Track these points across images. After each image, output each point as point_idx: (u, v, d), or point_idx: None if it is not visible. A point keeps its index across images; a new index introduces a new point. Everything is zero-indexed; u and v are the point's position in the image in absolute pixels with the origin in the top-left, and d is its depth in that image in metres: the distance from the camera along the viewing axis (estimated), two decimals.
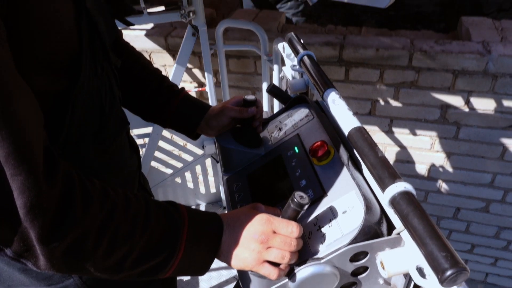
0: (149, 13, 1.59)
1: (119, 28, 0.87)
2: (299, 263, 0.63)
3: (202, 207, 2.44)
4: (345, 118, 0.75)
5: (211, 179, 2.34)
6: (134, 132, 1.98)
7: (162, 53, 1.87)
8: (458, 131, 1.75)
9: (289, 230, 0.62)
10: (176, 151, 2.16)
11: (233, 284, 2.02)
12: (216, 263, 0.64)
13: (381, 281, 0.68)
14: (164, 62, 1.90)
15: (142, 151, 2.01)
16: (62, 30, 0.57)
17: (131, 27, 1.78)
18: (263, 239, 0.62)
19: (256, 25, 1.59)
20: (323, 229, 0.65)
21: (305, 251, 0.64)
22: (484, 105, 1.64)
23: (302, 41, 1.02)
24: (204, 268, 0.65)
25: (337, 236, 0.63)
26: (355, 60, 1.65)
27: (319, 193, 0.71)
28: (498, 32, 1.67)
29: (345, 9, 3.79)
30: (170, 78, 1.56)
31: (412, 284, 0.61)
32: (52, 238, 0.49)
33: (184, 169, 2.22)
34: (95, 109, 0.68)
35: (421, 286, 0.55)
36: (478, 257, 2.20)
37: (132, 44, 0.96)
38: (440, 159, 1.86)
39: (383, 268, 0.58)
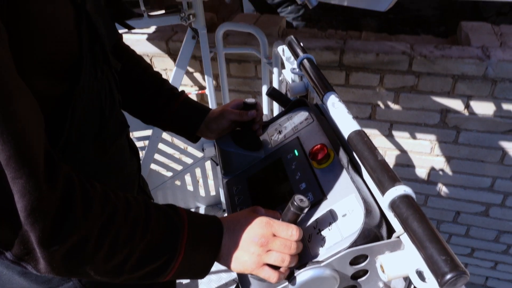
0: (149, 16, 1.59)
1: (120, 31, 0.87)
2: (299, 266, 0.63)
3: (202, 210, 2.44)
4: (345, 121, 0.75)
5: (211, 182, 2.34)
6: (134, 134, 1.98)
7: (163, 57, 1.87)
8: (458, 135, 1.75)
9: (289, 233, 0.62)
10: (177, 154, 2.16)
11: (233, 287, 2.01)
12: (216, 266, 0.64)
13: (381, 284, 0.68)
14: (165, 66, 1.91)
15: (142, 154, 2.01)
16: (62, 32, 0.56)
17: (133, 31, 1.79)
18: (263, 242, 0.62)
19: (255, 28, 1.59)
20: (323, 232, 0.65)
21: (305, 254, 0.64)
22: (484, 109, 1.65)
23: (302, 44, 1.02)
24: (204, 271, 0.65)
25: (337, 239, 0.63)
26: (355, 64, 1.66)
27: (319, 196, 0.71)
28: (497, 37, 1.67)
29: (345, 13, 3.81)
30: (170, 81, 1.56)
31: (412, 287, 0.61)
32: (53, 241, 0.49)
33: (183, 171, 2.22)
34: (95, 112, 0.68)
35: None
36: (478, 261, 2.20)
37: (133, 48, 0.97)
38: (440, 163, 1.86)
39: (383, 271, 0.58)
